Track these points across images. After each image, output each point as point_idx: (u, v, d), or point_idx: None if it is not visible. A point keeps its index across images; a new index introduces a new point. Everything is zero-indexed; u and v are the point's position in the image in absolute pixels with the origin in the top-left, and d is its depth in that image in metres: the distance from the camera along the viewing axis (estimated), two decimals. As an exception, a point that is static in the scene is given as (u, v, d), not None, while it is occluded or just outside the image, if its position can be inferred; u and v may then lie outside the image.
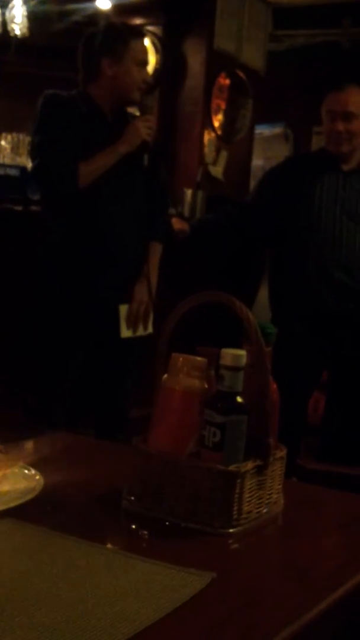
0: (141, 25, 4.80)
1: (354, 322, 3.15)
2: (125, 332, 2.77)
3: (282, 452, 1.34)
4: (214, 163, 5.03)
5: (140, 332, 2.80)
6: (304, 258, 3.12)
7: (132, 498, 1.29)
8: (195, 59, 4.95)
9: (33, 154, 2.74)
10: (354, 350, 3.17)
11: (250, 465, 1.24)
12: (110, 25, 2.91)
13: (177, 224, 3.41)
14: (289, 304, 3.18)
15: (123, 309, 2.77)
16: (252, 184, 5.53)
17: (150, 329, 2.82)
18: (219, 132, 5.05)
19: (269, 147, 6.38)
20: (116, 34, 2.74)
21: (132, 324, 2.78)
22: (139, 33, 2.84)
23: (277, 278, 3.29)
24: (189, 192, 4.66)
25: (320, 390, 3.41)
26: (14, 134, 4.75)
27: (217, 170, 5.04)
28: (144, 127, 2.72)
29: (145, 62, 2.80)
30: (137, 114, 2.83)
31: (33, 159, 2.73)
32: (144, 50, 2.81)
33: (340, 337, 3.15)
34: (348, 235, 3.12)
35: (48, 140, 2.65)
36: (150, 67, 4.87)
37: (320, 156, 3.28)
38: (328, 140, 3.17)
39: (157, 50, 4.91)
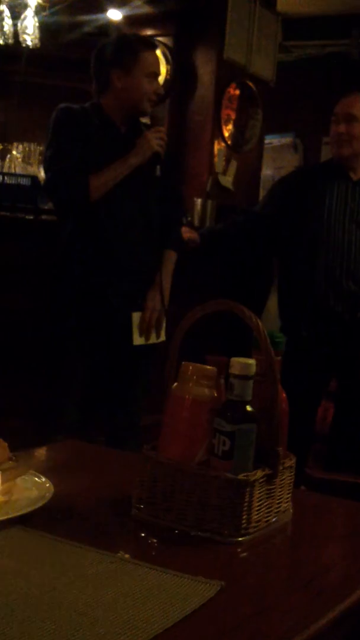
0: (152, 36, 4.83)
1: (355, 332, 3.16)
2: (138, 340, 2.78)
3: (291, 461, 1.35)
4: (224, 173, 5.04)
5: (153, 339, 2.80)
6: (313, 267, 3.13)
7: (142, 506, 1.29)
8: (205, 70, 4.96)
9: (45, 167, 2.76)
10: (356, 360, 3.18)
11: (259, 474, 1.25)
12: (121, 37, 2.92)
13: (186, 233, 3.42)
14: (298, 313, 3.19)
15: (136, 316, 2.77)
16: (262, 193, 5.54)
17: (163, 337, 2.83)
18: (229, 142, 5.06)
19: (278, 157, 6.39)
20: (126, 45, 2.75)
21: (145, 331, 2.79)
22: (150, 44, 2.82)
23: (286, 287, 3.30)
24: (198, 202, 4.67)
25: (329, 399, 3.41)
26: (25, 144, 4.77)
27: (227, 180, 5.05)
28: (155, 139, 2.73)
29: (155, 74, 2.78)
30: (149, 123, 2.84)
31: (45, 173, 2.76)
32: (155, 62, 2.79)
33: (349, 345, 3.15)
34: (357, 244, 3.13)
35: (59, 154, 2.67)
36: (161, 78, 4.89)
37: (329, 166, 3.30)
38: (331, 144, 3.22)
39: (167, 61, 4.93)
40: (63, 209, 2.84)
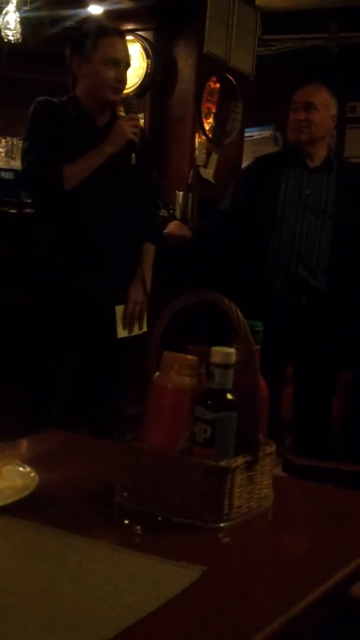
0: (132, 31, 4.83)
1: (311, 317, 3.21)
2: (121, 333, 2.79)
3: (271, 448, 1.36)
4: (205, 165, 5.05)
5: (136, 331, 2.82)
6: (265, 253, 3.18)
7: (125, 494, 1.30)
8: (185, 64, 4.97)
9: (21, 159, 2.76)
10: (313, 345, 3.22)
11: (240, 460, 1.26)
12: (86, 27, 2.89)
13: (176, 230, 3.44)
14: (252, 299, 3.21)
15: (119, 310, 2.78)
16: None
17: (145, 328, 2.84)
18: (210, 135, 5.07)
19: (258, 149, 6.40)
20: (85, 33, 2.73)
21: (128, 324, 2.80)
22: (111, 32, 2.75)
23: (244, 275, 3.33)
24: (180, 195, 4.68)
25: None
26: (8, 138, 4.76)
27: (208, 173, 5.06)
28: (129, 126, 2.71)
29: (116, 61, 2.69)
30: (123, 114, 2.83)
31: (21, 164, 2.75)
32: (115, 49, 2.70)
33: (299, 331, 3.20)
34: (309, 230, 3.19)
35: (35, 145, 2.66)
36: (142, 72, 4.89)
37: (286, 154, 3.40)
38: (289, 130, 3.29)
39: (147, 55, 4.93)
40: (37, 200, 2.84)
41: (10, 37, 4.75)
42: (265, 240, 3.22)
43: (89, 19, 4.75)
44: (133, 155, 2.72)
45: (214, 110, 5.12)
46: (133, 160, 2.73)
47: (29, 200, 3.19)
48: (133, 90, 4.83)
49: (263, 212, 3.23)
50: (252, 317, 1.32)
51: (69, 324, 2.74)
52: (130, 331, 2.81)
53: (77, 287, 2.72)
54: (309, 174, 3.25)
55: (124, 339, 2.80)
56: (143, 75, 4.90)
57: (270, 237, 3.21)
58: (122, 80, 2.75)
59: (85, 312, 2.74)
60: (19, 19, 4.73)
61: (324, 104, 3.26)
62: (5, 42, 4.80)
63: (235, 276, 3.24)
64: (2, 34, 4.76)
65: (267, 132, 6.52)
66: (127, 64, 2.77)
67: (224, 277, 3.28)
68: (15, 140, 4.65)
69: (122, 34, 2.84)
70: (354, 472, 1.90)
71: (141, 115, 4.67)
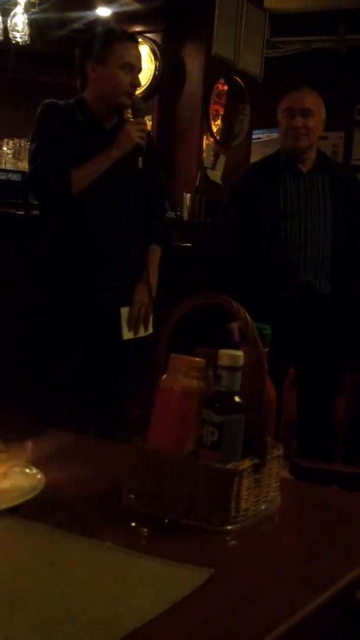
0: (140, 33, 4.84)
1: (314, 320, 3.20)
2: (127, 334, 2.79)
3: (279, 451, 1.36)
4: (213, 167, 5.05)
5: (141, 333, 2.82)
6: (271, 260, 3.16)
7: (132, 496, 1.30)
8: (193, 65, 4.98)
9: (28, 162, 2.77)
10: (317, 348, 3.21)
11: (247, 463, 1.26)
12: (100, 30, 2.91)
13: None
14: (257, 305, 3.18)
15: (124, 311, 2.78)
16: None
17: (150, 329, 2.84)
18: (218, 137, 5.08)
19: (266, 151, 6.37)
20: (100, 37, 2.74)
21: (133, 326, 2.80)
22: (126, 36, 2.77)
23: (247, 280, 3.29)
24: (188, 197, 4.69)
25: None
26: (16, 140, 4.78)
27: (216, 175, 5.06)
28: (136, 130, 2.72)
29: (131, 66, 2.72)
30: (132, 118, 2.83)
31: (28, 167, 2.76)
32: (130, 54, 2.73)
33: (304, 334, 3.19)
34: (313, 235, 3.18)
35: (42, 149, 2.67)
36: (150, 73, 4.90)
37: (277, 160, 3.33)
38: (285, 137, 3.26)
39: (156, 57, 4.94)
40: (45, 203, 2.85)
41: (19, 39, 4.77)
42: (269, 249, 3.19)
43: (97, 21, 4.77)
44: (140, 159, 2.73)
45: (221, 112, 5.13)
46: (140, 164, 2.73)
47: (36, 202, 3.20)
48: (141, 93, 4.83)
49: (263, 221, 3.20)
50: (258, 320, 1.31)
51: (73, 325, 2.74)
52: (135, 333, 2.81)
53: (81, 288, 2.72)
54: (305, 178, 3.25)
55: (129, 340, 2.80)
56: (151, 77, 4.92)
57: (275, 245, 3.18)
58: (137, 86, 2.78)
59: (90, 314, 2.74)
60: (27, 21, 4.76)
61: (318, 109, 3.26)
62: (13, 44, 4.82)
63: (240, 281, 3.20)
64: (10, 36, 4.78)
65: (274, 134, 6.51)
66: (140, 69, 2.80)
67: (229, 281, 3.25)
68: (22, 142, 4.67)
69: (137, 40, 2.86)
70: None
71: (149, 118, 4.70)
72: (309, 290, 3.19)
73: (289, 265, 3.18)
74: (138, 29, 4.86)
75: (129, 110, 2.79)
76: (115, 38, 2.72)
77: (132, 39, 2.82)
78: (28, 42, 4.81)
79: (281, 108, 3.27)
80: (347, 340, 3.27)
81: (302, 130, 3.20)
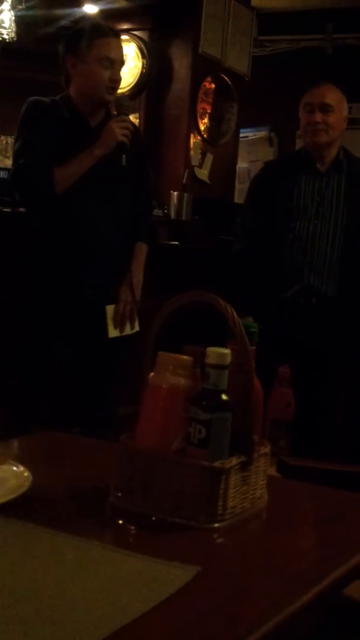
0: (128, 30, 4.83)
1: (314, 322, 3.18)
2: (113, 332, 2.79)
3: (266, 449, 1.37)
4: (200, 166, 5.06)
5: (127, 331, 2.82)
6: (280, 261, 3.15)
7: (119, 494, 1.30)
8: (181, 64, 4.97)
9: (12, 160, 2.76)
10: (314, 349, 3.18)
11: (234, 461, 1.26)
12: (80, 26, 2.89)
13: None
14: (260, 302, 3.17)
15: (109, 309, 2.78)
16: (237, 186, 5.56)
17: (136, 327, 2.84)
18: (205, 136, 5.08)
19: (253, 150, 6.42)
20: (79, 32, 2.73)
21: (119, 324, 2.80)
22: (106, 31, 2.75)
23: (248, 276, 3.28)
24: (175, 195, 4.69)
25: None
26: (2, 137, 4.77)
27: (203, 173, 5.07)
28: (119, 128, 2.71)
29: (110, 60, 2.69)
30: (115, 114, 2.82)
31: (12, 166, 2.75)
32: (110, 49, 2.70)
33: (304, 334, 3.16)
34: (321, 237, 3.14)
35: (25, 147, 2.66)
36: (137, 72, 4.90)
37: (297, 157, 3.30)
38: (305, 133, 3.20)
39: (143, 55, 4.93)
40: (29, 202, 2.84)
41: (5, 36, 4.75)
42: (278, 248, 3.17)
43: (85, 18, 4.76)
44: (124, 156, 2.72)
45: (209, 111, 5.13)
46: (123, 162, 2.73)
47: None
48: (128, 90, 4.84)
49: (277, 219, 3.17)
50: (256, 318, 1.31)
51: (59, 323, 2.74)
52: (121, 331, 2.80)
53: (67, 286, 2.72)
54: (322, 178, 3.19)
55: (115, 338, 2.79)
56: (138, 75, 4.91)
57: (283, 243, 3.15)
58: (117, 80, 2.75)
59: (76, 312, 2.74)
60: (13, 18, 4.74)
61: (338, 105, 3.19)
62: (0, 40, 4.80)
63: (251, 278, 3.18)
64: (-3, 32, 4.76)
65: (262, 133, 6.53)
66: (122, 64, 2.77)
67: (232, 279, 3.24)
68: (9, 139, 4.66)
69: (117, 34, 2.83)
70: (348, 473, 1.90)
71: (135, 116, 4.69)
72: (310, 293, 3.15)
73: (294, 266, 3.14)
74: (125, 26, 4.86)
75: (114, 106, 2.79)
76: (94, 33, 2.70)
77: (113, 33, 2.79)
78: (15, 39, 4.79)
79: (302, 104, 3.21)
80: (351, 343, 3.24)
81: (320, 125, 3.12)
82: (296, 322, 3.15)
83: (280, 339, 3.07)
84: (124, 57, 2.80)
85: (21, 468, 1.35)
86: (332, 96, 3.18)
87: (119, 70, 2.75)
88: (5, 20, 4.71)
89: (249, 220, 3.33)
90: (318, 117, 3.13)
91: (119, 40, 2.80)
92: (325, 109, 3.14)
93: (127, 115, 2.83)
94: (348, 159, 3.28)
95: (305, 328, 3.17)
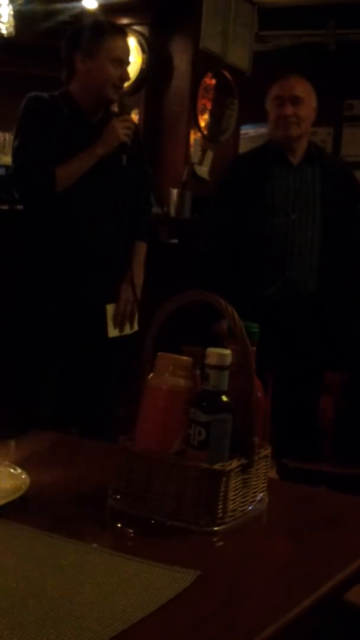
0: (127, 25, 4.81)
1: (297, 320, 3.13)
2: (112, 332, 2.78)
3: (266, 451, 1.35)
4: (200, 163, 5.04)
5: (127, 331, 2.81)
6: (258, 257, 3.10)
7: (118, 497, 1.29)
8: (181, 59, 4.95)
9: (12, 158, 2.75)
10: (297, 347, 3.14)
11: (235, 463, 1.25)
12: (89, 22, 2.89)
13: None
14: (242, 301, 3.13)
15: (110, 308, 2.78)
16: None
17: (136, 327, 2.83)
18: (205, 132, 5.06)
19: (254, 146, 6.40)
20: (91, 29, 2.72)
21: (119, 323, 2.79)
22: (117, 30, 2.76)
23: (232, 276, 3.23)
24: (175, 192, 4.67)
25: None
26: (0, 134, 4.75)
27: (203, 170, 5.05)
28: (122, 128, 2.70)
29: (121, 60, 2.70)
30: (117, 111, 2.81)
31: (12, 164, 2.74)
32: (121, 48, 2.71)
33: (284, 335, 3.11)
34: (301, 232, 3.10)
35: (26, 144, 2.65)
36: (137, 67, 4.88)
37: (266, 152, 3.24)
38: (275, 126, 3.16)
39: (143, 50, 4.91)
40: (28, 200, 2.83)
41: (4, 31, 4.73)
42: (255, 245, 3.13)
43: (84, 13, 4.74)
44: (124, 156, 2.71)
45: (209, 107, 5.11)
46: (124, 162, 2.72)
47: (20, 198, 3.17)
48: (128, 86, 4.81)
49: (252, 215, 3.13)
50: (243, 318, 1.30)
51: (58, 322, 2.73)
52: (121, 330, 2.79)
53: (67, 285, 2.71)
54: (295, 171, 3.16)
55: (114, 338, 2.78)
56: (138, 71, 4.89)
57: (260, 241, 3.11)
58: (126, 79, 2.77)
59: (76, 311, 2.73)
60: (12, 13, 4.72)
61: (308, 97, 3.15)
62: (-2, 36, 4.78)
63: (221, 278, 3.13)
64: (-5, 27, 4.74)
65: (262, 129, 6.50)
66: (129, 63, 2.79)
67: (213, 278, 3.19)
68: (7, 135, 4.63)
69: (126, 33, 2.85)
70: (348, 475, 1.89)
71: (135, 112, 4.67)
72: (294, 289, 3.13)
73: (274, 263, 3.10)
74: (125, 21, 4.83)
75: (116, 104, 2.78)
76: (105, 31, 2.70)
77: (122, 31, 2.81)
78: (13, 34, 4.77)
79: (270, 97, 3.17)
80: (333, 340, 3.22)
81: (292, 118, 3.09)
82: (279, 322, 3.10)
83: (267, 340, 3.03)
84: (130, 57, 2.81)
85: (19, 470, 1.34)
86: (302, 88, 3.15)
87: (127, 69, 2.77)
88: (3, 15, 4.69)
89: (216, 218, 3.27)
90: (289, 109, 3.10)
91: (127, 40, 2.84)
92: (296, 101, 3.11)
93: (129, 114, 2.83)
94: (318, 151, 3.27)
95: (287, 328, 3.13)
